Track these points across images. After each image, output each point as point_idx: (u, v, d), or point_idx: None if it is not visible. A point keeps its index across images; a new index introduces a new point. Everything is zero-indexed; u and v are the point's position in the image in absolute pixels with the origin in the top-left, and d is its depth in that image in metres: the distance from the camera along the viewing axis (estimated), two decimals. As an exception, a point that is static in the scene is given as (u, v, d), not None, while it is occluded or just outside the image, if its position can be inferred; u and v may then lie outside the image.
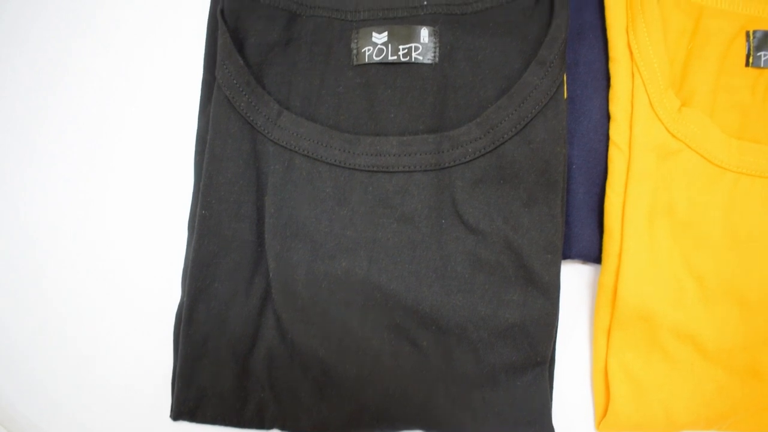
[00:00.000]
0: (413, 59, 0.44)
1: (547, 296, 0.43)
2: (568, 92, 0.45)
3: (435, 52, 0.44)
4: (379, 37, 0.44)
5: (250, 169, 0.44)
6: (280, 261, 0.43)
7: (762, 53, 0.45)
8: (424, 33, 0.44)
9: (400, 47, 0.44)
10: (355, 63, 0.44)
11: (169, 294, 0.45)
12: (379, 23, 0.45)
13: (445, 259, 0.43)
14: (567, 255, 0.45)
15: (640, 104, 0.44)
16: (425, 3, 0.45)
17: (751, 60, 0.45)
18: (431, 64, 0.44)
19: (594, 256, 0.45)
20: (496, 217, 0.43)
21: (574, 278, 0.47)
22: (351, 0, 0.45)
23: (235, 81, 0.44)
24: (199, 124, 0.46)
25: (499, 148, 0.43)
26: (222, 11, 0.45)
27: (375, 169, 0.43)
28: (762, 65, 0.45)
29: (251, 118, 0.44)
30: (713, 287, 0.44)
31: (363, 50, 0.44)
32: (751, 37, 0.45)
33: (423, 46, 0.44)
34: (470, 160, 0.43)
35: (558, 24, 0.43)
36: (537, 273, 0.42)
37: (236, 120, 0.44)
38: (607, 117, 0.45)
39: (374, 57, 0.44)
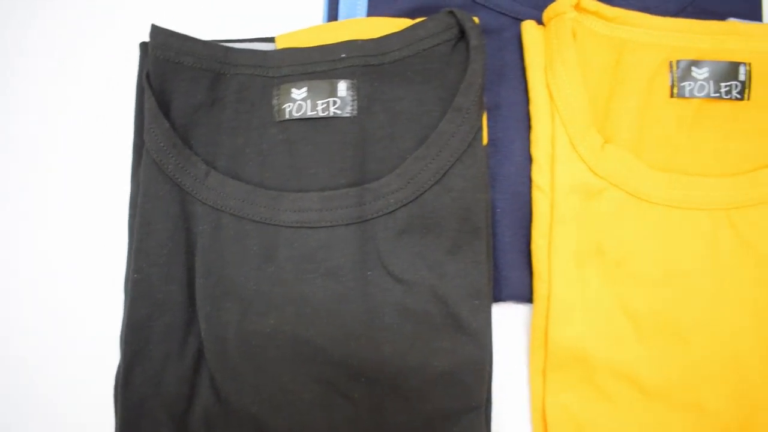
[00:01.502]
0: (332, 113, 0.44)
1: (476, 342, 0.43)
2: (490, 135, 0.45)
3: (353, 105, 0.44)
4: (299, 93, 0.45)
5: (179, 231, 0.45)
6: (211, 321, 0.43)
7: (686, 83, 0.45)
8: (342, 86, 0.45)
9: (319, 102, 0.44)
10: (277, 120, 0.45)
11: (112, 356, 0.47)
12: (299, 78, 0.45)
13: (372, 312, 0.43)
14: (498, 298, 0.45)
15: (561, 145, 0.43)
16: (344, 56, 0.45)
17: (675, 91, 0.45)
18: (350, 118, 0.44)
19: (526, 297, 0.45)
20: (421, 267, 0.43)
21: (510, 319, 0.47)
22: (273, 56, 0.46)
23: (162, 144, 0.45)
24: (131, 187, 0.47)
25: (420, 197, 0.43)
26: (147, 75, 0.46)
27: (299, 225, 0.43)
28: (687, 95, 0.45)
29: (179, 180, 0.45)
30: (649, 325, 0.43)
31: (284, 107, 0.45)
32: (674, 68, 0.45)
33: (341, 99, 0.44)
34: (392, 211, 0.43)
35: (474, 69, 0.43)
36: (465, 320, 0.42)
37: (165, 182, 0.45)
38: (530, 159, 0.44)
39: (294, 113, 0.45)
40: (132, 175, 0.47)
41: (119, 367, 0.45)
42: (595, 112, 0.45)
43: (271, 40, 0.47)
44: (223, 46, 0.46)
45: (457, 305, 0.42)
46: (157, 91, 0.46)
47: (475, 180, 0.43)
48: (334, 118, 0.44)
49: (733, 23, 0.45)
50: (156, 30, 0.46)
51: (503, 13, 0.47)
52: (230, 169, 0.45)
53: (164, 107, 0.46)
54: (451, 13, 0.45)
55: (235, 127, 0.45)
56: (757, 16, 0.50)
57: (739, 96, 0.45)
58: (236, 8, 0.52)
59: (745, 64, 0.45)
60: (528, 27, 0.45)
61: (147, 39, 0.46)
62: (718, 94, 0.45)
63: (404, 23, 0.46)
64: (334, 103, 0.44)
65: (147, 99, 0.45)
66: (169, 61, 0.45)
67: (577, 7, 0.45)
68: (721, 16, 0.48)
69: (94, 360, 0.48)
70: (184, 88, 0.46)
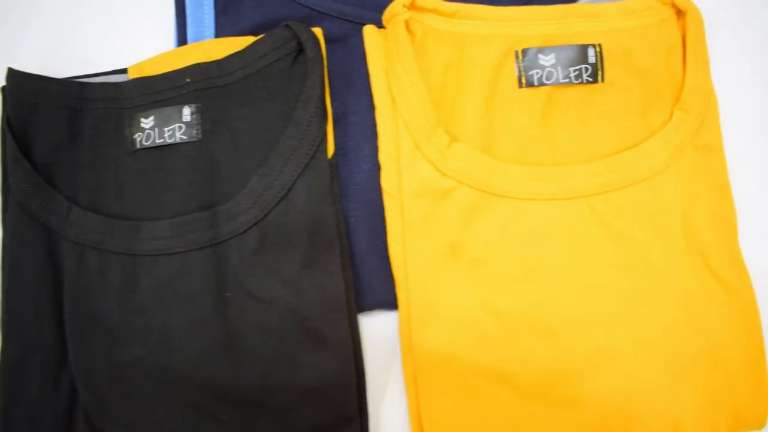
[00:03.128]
0: (178, 139, 0.44)
1: (339, 355, 0.42)
2: (339, 144, 0.45)
3: (198, 129, 0.44)
4: (147, 122, 0.45)
5: (47, 269, 0.45)
6: (79, 355, 0.44)
7: (534, 72, 0.44)
8: (186, 112, 0.45)
9: (165, 129, 0.45)
10: (130, 150, 0.45)
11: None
12: (149, 107, 0.45)
13: (232, 333, 0.43)
14: (363, 308, 0.45)
15: (405, 148, 0.43)
16: (189, 80, 0.45)
17: (523, 81, 0.44)
18: (196, 142, 0.45)
19: (392, 304, 0.45)
20: (277, 284, 0.43)
21: (382, 327, 0.46)
22: (125, 88, 0.46)
23: (24, 185, 0.45)
24: (1, 230, 0.48)
25: (269, 215, 0.43)
26: (8, 119, 0.47)
27: (155, 253, 0.44)
28: (536, 84, 0.44)
29: (44, 219, 0.45)
30: (514, 322, 0.43)
31: (135, 136, 0.45)
32: (520, 57, 0.44)
33: (186, 125, 0.45)
34: (244, 231, 0.43)
35: (312, 81, 0.43)
36: (325, 333, 0.42)
37: (30, 223, 0.45)
38: (379, 166, 0.44)
39: (144, 142, 0.45)
40: (2, 219, 0.48)
41: None
42: (441, 111, 0.44)
43: (123, 71, 0.47)
44: (77, 82, 0.47)
45: (316, 319, 0.42)
46: (19, 133, 0.47)
47: (319, 193, 0.42)
48: (181, 144, 0.45)
49: (579, 5, 0.44)
50: (12, 73, 0.46)
51: (348, 20, 0.46)
52: (91, 203, 0.46)
53: (26, 148, 0.46)
54: (288, 26, 0.44)
55: (93, 161, 0.46)
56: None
57: (591, 79, 0.44)
58: (90, 42, 0.52)
59: (593, 45, 0.44)
60: (368, 32, 0.45)
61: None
62: (567, 80, 0.44)
63: (248, 42, 0.46)
64: (180, 128, 0.45)
65: (8, 143, 0.46)
66: (26, 103, 0.46)
67: (414, 6, 0.44)
68: (579, -2, 0.47)
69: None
70: (43, 128, 0.46)
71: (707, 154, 0.46)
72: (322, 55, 0.44)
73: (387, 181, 0.43)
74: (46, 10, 0.53)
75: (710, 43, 0.48)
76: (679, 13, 0.47)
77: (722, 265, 0.45)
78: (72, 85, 0.46)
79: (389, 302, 0.44)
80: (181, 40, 0.48)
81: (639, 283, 0.43)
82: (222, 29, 0.47)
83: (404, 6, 0.43)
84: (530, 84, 0.44)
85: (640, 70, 0.45)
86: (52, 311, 0.45)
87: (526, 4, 0.47)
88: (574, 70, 0.44)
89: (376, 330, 0.46)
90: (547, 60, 0.44)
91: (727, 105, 0.48)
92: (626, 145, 0.44)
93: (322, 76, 0.44)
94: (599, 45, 0.44)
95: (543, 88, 0.44)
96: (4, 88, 0.49)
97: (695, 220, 0.45)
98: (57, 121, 0.46)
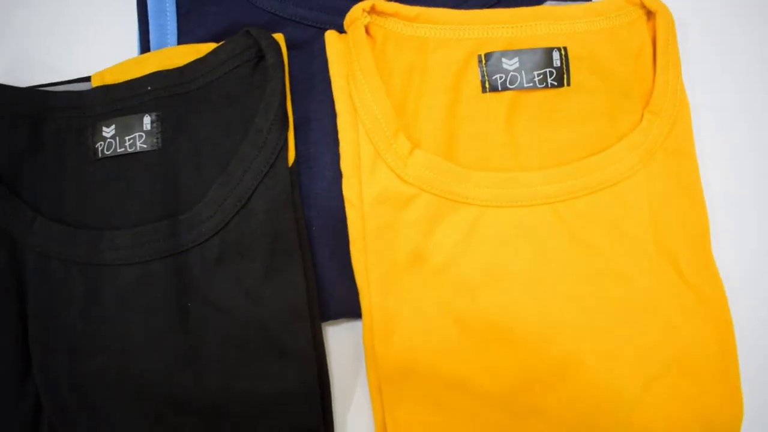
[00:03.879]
0: (138, 148, 0.44)
1: (302, 364, 0.42)
2: (301, 151, 0.44)
3: (158, 138, 0.44)
4: (108, 131, 0.45)
5: (10, 280, 0.45)
6: (43, 366, 0.44)
7: (497, 76, 0.43)
8: (147, 120, 0.44)
9: (126, 138, 0.44)
10: (92, 159, 0.45)
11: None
12: (110, 116, 0.45)
13: (193, 343, 0.43)
14: (328, 316, 0.44)
15: (367, 156, 0.42)
16: (150, 88, 0.45)
17: (487, 85, 0.43)
18: (156, 151, 0.44)
19: (357, 312, 0.44)
20: (238, 293, 0.42)
21: (347, 335, 0.46)
22: (87, 96, 0.46)
23: (-12, 194, 0.45)
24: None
25: (229, 224, 0.42)
26: (-30, 128, 0.47)
27: (118, 262, 0.43)
28: (500, 88, 0.43)
29: (8, 229, 0.45)
30: (477, 330, 0.42)
31: (97, 145, 0.45)
32: (483, 61, 0.43)
33: (146, 133, 0.44)
34: (205, 241, 0.43)
35: (272, 88, 0.43)
36: (287, 343, 0.42)
37: (-6, 236, 0.45)
38: (341, 174, 0.43)
39: (106, 151, 0.45)
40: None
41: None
42: (403, 116, 0.43)
43: (87, 79, 0.47)
44: (40, 91, 0.46)
45: (278, 329, 0.42)
46: (-19, 141, 0.46)
47: (279, 201, 0.42)
48: (142, 153, 0.44)
49: (544, 7, 0.44)
50: None
51: (310, 25, 0.46)
52: (54, 212, 0.45)
53: (-10, 157, 0.46)
54: (249, 33, 0.44)
55: (55, 170, 0.46)
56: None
57: (556, 83, 0.43)
58: (54, 50, 0.52)
59: (558, 49, 0.43)
60: (330, 37, 0.44)
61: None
62: (532, 84, 0.43)
63: (210, 48, 0.45)
64: (140, 137, 0.44)
65: (-29, 152, 0.46)
66: None
67: (374, 10, 0.43)
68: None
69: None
70: (6, 137, 0.46)
71: (678, 158, 0.45)
72: (283, 62, 0.44)
73: (348, 189, 0.43)
74: (10, 19, 0.52)
75: (682, 43, 0.47)
76: (650, 14, 0.46)
77: (693, 272, 0.44)
78: (35, 94, 0.46)
79: (354, 310, 0.44)
80: (144, 46, 0.48)
81: (605, 290, 0.42)
82: (184, 35, 0.47)
83: (364, 11, 0.43)
84: (494, 89, 0.43)
85: (607, 73, 0.44)
86: (15, 322, 0.45)
87: (491, 7, 0.46)
88: (539, 74, 0.43)
89: (341, 338, 0.45)
90: (510, 64, 0.43)
91: (699, 107, 0.47)
92: (593, 150, 0.43)
93: (283, 82, 0.43)
94: (564, 48, 0.43)
95: (507, 93, 0.43)
96: (-34, 96, 0.49)
97: (665, 225, 0.44)
98: (20, 130, 0.46)
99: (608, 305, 0.42)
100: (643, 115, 0.45)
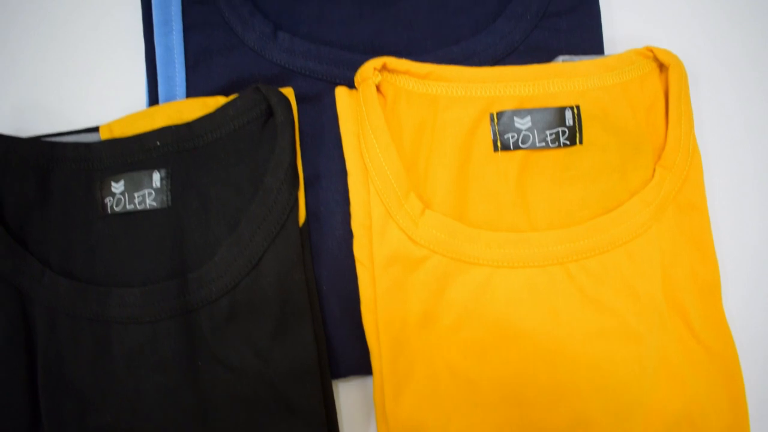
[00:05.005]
0: (148, 206, 0.44)
1: (310, 423, 0.42)
2: (311, 208, 0.44)
3: (167, 196, 0.44)
4: (117, 187, 0.44)
5: (19, 333, 0.45)
6: (53, 421, 0.44)
7: (510, 135, 0.43)
8: (156, 177, 0.44)
9: (136, 195, 0.44)
10: (101, 214, 0.45)
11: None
12: (119, 170, 0.45)
13: (204, 401, 0.43)
14: (338, 374, 0.44)
15: (378, 216, 0.42)
16: (158, 144, 0.44)
17: (499, 144, 0.43)
18: (166, 209, 0.44)
19: (368, 369, 0.44)
20: (248, 353, 0.42)
21: (358, 392, 0.46)
22: (95, 149, 0.45)
23: (-3, 246, 0.45)
24: (-25, 291, 0.48)
25: (240, 284, 0.42)
26: (-20, 179, 0.46)
27: (126, 321, 0.43)
28: (512, 147, 0.43)
29: (17, 282, 0.45)
30: (488, 391, 0.42)
31: (106, 201, 0.45)
32: (495, 120, 0.43)
33: (156, 191, 0.44)
34: (215, 300, 0.43)
35: (282, 147, 0.42)
36: (296, 402, 0.42)
37: (3, 286, 0.45)
38: (351, 233, 0.43)
39: (115, 207, 0.44)
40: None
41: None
42: (414, 175, 0.43)
43: (95, 129, 0.47)
44: (48, 142, 0.46)
45: (287, 389, 0.42)
46: (-11, 193, 0.46)
47: (289, 263, 0.42)
48: (151, 210, 0.44)
49: (556, 64, 0.43)
50: None
51: (320, 79, 0.45)
52: (63, 266, 0.45)
53: (-3, 209, 0.46)
54: (258, 89, 0.43)
55: (64, 223, 0.45)
56: (597, 46, 0.47)
57: (568, 142, 0.43)
58: (63, 99, 0.51)
59: (571, 108, 0.43)
60: (340, 93, 0.44)
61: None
62: (544, 143, 0.42)
63: (219, 102, 0.45)
64: (150, 194, 0.44)
65: (-20, 203, 0.46)
66: None
67: (386, 68, 0.43)
68: (557, 53, 0.46)
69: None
70: (14, 188, 0.46)
71: (690, 212, 0.45)
72: (292, 119, 0.43)
73: (359, 249, 0.42)
74: (17, 67, 0.52)
75: (694, 96, 0.46)
76: (662, 66, 0.45)
77: (704, 328, 0.44)
78: (43, 145, 0.46)
79: (365, 368, 0.44)
80: (153, 97, 0.47)
81: (616, 349, 0.42)
82: (193, 87, 0.46)
83: (376, 69, 0.42)
84: (506, 148, 0.43)
85: (619, 129, 0.44)
86: (25, 376, 0.45)
87: (506, 56, 0.45)
88: (551, 134, 0.42)
89: (352, 395, 0.46)
90: (523, 123, 0.42)
91: (710, 159, 0.47)
92: (605, 206, 0.43)
93: (293, 140, 0.43)
94: (577, 107, 0.43)
95: (518, 152, 0.43)
96: (-27, 147, 0.48)
97: (676, 281, 0.44)
98: (28, 181, 0.46)
99: (619, 364, 0.42)
100: (654, 169, 0.44)
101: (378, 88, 0.43)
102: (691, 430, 0.43)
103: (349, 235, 0.43)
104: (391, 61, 0.42)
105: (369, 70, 0.42)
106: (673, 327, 0.44)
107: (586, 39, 0.46)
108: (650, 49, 0.45)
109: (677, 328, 0.44)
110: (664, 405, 0.43)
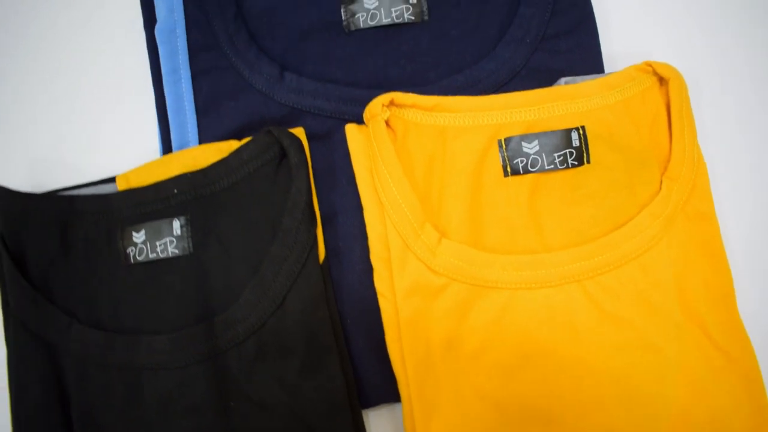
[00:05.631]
0: (170, 254, 0.45)
1: (344, 456, 0.43)
2: (330, 245, 0.45)
3: (188, 242, 0.45)
4: (138, 236, 0.45)
5: (51, 385, 0.46)
6: None
7: (519, 160, 0.44)
8: (176, 225, 0.45)
9: (157, 243, 0.45)
10: (124, 264, 0.46)
11: None
12: (139, 220, 0.46)
13: (237, 441, 0.44)
14: (368, 404, 0.45)
15: (396, 248, 0.43)
16: (176, 191, 0.45)
17: (509, 170, 0.44)
18: (188, 255, 0.45)
19: (397, 397, 0.45)
20: (278, 391, 0.43)
21: (388, 420, 0.47)
22: (113, 200, 0.46)
23: (23, 303, 0.46)
24: (6, 349, 0.48)
25: (266, 324, 0.43)
26: (2, 237, 0.47)
27: (156, 367, 0.44)
28: (522, 172, 0.44)
29: (44, 335, 0.46)
30: (515, 412, 0.43)
31: (128, 251, 0.46)
32: (504, 146, 0.43)
33: (177, 238, 0.45)
34: (242, 341, 0.43)
35: (298, 187, 0.43)
36: (330, 436, 0.43)
37: (31, 341, 0.46)
38: (371, 266, 0.44)
39: (138, 257, 0.45)
40: (5, 336, 0.48)
41: None
42: (428, 205, 0.44)
43: (111, 180, 0.48)
44: (66, 196, 0.47)
45: (318, 424, 0.43)
46: (13, 250, 0.47)
47: (313, 301, 0.43)
48: (174, 258, 0.45)
49: (559, 88, 0.44)
50: (1, 191, 0.47)
51: (330, 116, 0.46)
52: (89, 317, 0.46)
53: (21, 265, 0.47)
54: (270, 132, 0.44)
55: (87, 275, 0.46)
56: (597, 64, 0.48)
57: (576, 162, 0.44)
58: (77, 151, 0.52)
59: (577, 129, 0.43)
60: (351, 130, 0.45)
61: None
62: (553, 166, 0.43)
63: (232, 146, 0.46)
64: (171, 242, 0.45)
65: (4, 260, 0.47)
66: (17, 220, 0.47)
67: (393, 103, 0.44)
68: (558, 73, 0.47)
69: None
70: (37, 244, 0.47)
71: (699, 221, 0.46)
72: (306, 160, 0.44)
73: (380, 282, 0.43)
74: (32, 122, 0.53)
75: (695, 106, 0.47)
76: (662, 80, 0.46)
77: (721, 334, 0.45)
78: (61, 199, 0.47)
79: (393, 395, 0.45)
80: (166, 144, 0.48)
81: (636, 362, 0.43)
82: (205, 132, 0.47)
83: (384, 105, 0.43)
84: (515, 172, 0.43)
85: (624, 145, 0.45)
86: (60, 426, 0.46)
87: (509, 81, 0.46)
88: (559, 156, 0.43)
89: (382, 422, 0.46)
90: (530, 147, 0.43)
91: (717, 169, 0.48)
92: (616, 222, 0.44)
93: (308, 180, 0.44)
94: (582, 127, 0.44)
95: (528, 175, 0.44)
96: (-7, 204, 0.49)
97: (690, 289, 0.45)
98: (49, 236, 0.47)
99: (640, 375, 0.43)
100: (661, 181, 0.45)
101: (387, 123, 0.44)
102: (715, 434, 0.44)
103: (368, 269, 0.44)
104: (398, 96, 0.43)
105: (377, 107, 0.43)
106: (690, 335, 0.44)
107: (586, 58, 0.47)
108: (649, 64, 0.46)
109: (695, 336, 0.45)
110: (687, 413, 0.43)
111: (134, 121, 0.51)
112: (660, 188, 0.45)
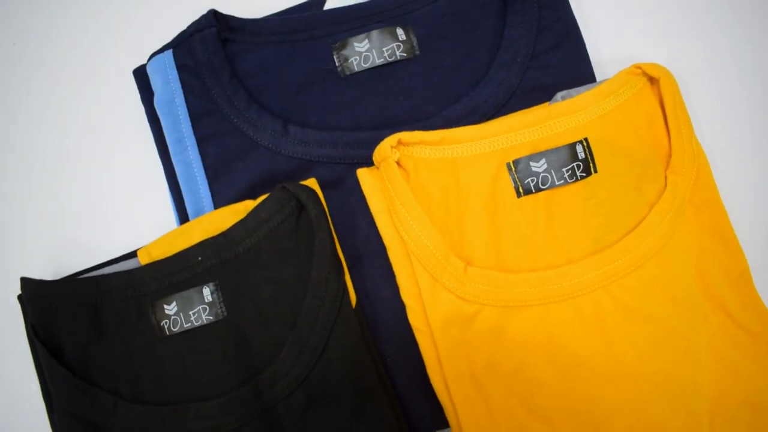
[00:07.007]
0: (205, 321, 0.46)
1: (405, 491, 0.44)
2: (359, 288, 0.46)
3: (221, 307, 0.46)
4: (170, 308, 0.46)
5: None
6: None
7: (529, 180, 0.45)
8: (206, 292, 0.46)
9: (191, 313, 0.46)
10: (160, 337, 0.46)
11: None
12: (168, 292, 0.46)
13: (299, 491, 0.45)
14: (420, 435, 0.46)
15: (425, 284, 0.44)
16: (200, 259, 0.46)
17: (521, 190, 0.45)
18: (223, 319, 0.46)
19: (444, 424, 0.46)
20: (332, 437, 0.44)
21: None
22: (138, 274, 0.47)
23: (65, 390, 0.46)
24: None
25: (310, 375, 0.44)
26: (34, 328, 0.48)
27: (208, 431, 0.45)
28: (534, 191, 0.45)
29: (92, 419, 0.46)
30: (563, 422, 0.44)
31: (162, 324, 0.46)
32: (513, 169, 0.45)
33: (209, 305, 0.46)
34: (289, 395, 0.44)
35: (321, 239, 0.44)
36: (389, 475, 0.44)
37: (78, 425, 0.46)
38: (403, 303, 0.45)
39: (173, 328, 0.46)
40: (49, 420, 0.49)
41: None
42: (449, 236, 0.45)
43: (134, 255, 0.48)
44: (91, 277, 0.47)
45: (375, 463, 0.44)
46: (46, 339, 0.47)
47: (353, 346, 0.44)
48: (208, 325, 0.46)
49: (558, 104, 0.45)
50: (26, 282, 0.47)
51: (338, 162, 0.47)
52: (133, 393, 0.47)
53: (57, 352, 0.47)
54: (285, 188, 0.45)
55: (125, 352, 0.47)
56: (587, 73, 0.49)
57: (584, 174, 0.45)
58: (92, 231, 0.53)
59: (580, 142, 0.45)
60: (363, 175, 0.46)
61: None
62: (563, 181, 0.45)
63: (248, 206, 0.46)
64: (204, 310, 0.46)
65: (39, 351, 0.47)
66: (47, 309, 0.47)
67: (401, 143, 0.45)
68: (552, 88, 0.48)
69: None
70: (69, 330, 0.47)
71: (706, 209, 0.47)
72: (324, 211, 0.45)
73: (413, 317, 0.45)
74: (45, 208, 0.53)
75: (687, 99, 0.49)
76: (652, 79, 0.48)
77: (742, 313, 0.47)
78: (87, 282, 0.47)
79: (440, 423, 0.46)
80: (181, 213, 0.49)
81: (670, 355, 0.45)
82: (218, 196, 0.48)
83: (392, 147, 0.44)
84: (528, 192, 0.45)
85: (626, 149, 0.46)
86: None
87: (507, 102, 0.48)
88: (567, 170, 0.45)
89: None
90: (539, 166, 0.45)
91: (716, 155, 0.49)
92: (629, 224, 0.46)
93: (329, 230, 0.45)
94: (585, 139, 0.45)
95: (541, 193, 0.45)
96: (20, 297, 0.49)
97: (708, 275, 0.47)
98: (80, 320, 0.47)
99: (675, 368, 0.45)
100: (666, 177, 0.47)
101: (398, 163, 0.45)
102: (753, 412, 0.45)
103: (401, 306, 0.45)
104: (405, 136, 0.44)
105: (386, 149, 0.44)
106: (715, 320, 0.46)
107: (576, 69, 0.49)
108: (638, 66, 0.47)
109: (720, 320, 0.46)
110: (723, 394, 0.45)
111: (145, 194, 0.52)
112: (666, 184, 0.47)
